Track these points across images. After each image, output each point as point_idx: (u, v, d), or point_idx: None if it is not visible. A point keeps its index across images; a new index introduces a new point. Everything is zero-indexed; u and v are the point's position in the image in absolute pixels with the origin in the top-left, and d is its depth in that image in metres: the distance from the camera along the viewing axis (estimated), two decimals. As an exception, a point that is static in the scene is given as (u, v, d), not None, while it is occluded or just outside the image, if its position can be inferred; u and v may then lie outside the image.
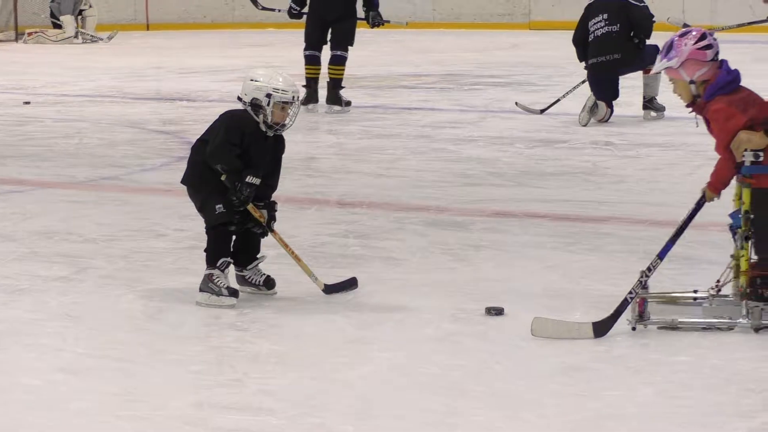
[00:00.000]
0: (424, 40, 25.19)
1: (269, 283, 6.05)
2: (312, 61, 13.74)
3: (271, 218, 5.99)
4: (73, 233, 7.46)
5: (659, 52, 5.67)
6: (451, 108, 14.25)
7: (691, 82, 5.55)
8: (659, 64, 5.62)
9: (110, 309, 5.88)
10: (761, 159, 5.44)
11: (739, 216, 5.50)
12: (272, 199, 6.05)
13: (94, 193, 8.98)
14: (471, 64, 19.69)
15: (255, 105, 5.87)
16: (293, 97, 5.91)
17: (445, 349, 5.29)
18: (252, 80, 5.91)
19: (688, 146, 9.58)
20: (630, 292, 5.43)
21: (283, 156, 6.07)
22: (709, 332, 5.44)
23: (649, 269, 5.48)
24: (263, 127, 5.88)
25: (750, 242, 5.49)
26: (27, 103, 14.62)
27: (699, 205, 5.54)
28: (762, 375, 4.92)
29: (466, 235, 7.43)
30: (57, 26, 25.94)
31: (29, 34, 26.04)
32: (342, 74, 13.61)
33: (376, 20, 13.82)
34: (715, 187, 5.52)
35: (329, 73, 13.54)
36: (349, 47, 13.66)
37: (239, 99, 5.93)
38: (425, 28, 28.86)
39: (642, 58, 11.62)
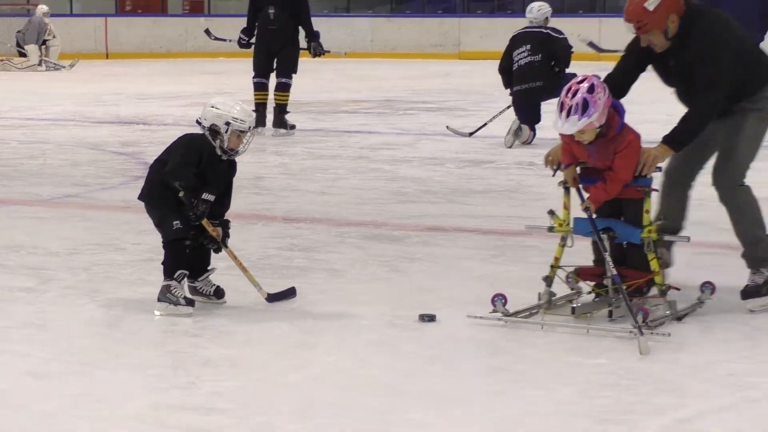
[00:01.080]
0: (363, 68, 25.24)
1: (219, 293, 6.04)
2: (260, 87, 13.81)
3: (225, 235, 5.99)
4: (38, 247, 7.41)
5: (575, 111, 5.58)
6: (388, 131, 14.28)
7: (600, 126, 5.64)
8: (580, 123, 5.58)
9: (73, 317, 5.85)
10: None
11: (606, 221, 5.72)
12: (225, 217, 6.04)
13: (58, 210, 8.92)
14: (406, 91, 19.75)
15: (213, 131, 5.87)
16: (249, 126, 5.91)
17: (382, 352, 5.30)
18: (213, 107, 5.91)
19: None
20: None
21: (234, 177, 6.07)
22: (625, 336, 5.47)
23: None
24: (219, 152, 5.88)
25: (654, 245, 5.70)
26: (-7, 126, 14.55)
27: (591, 218, 5.66)
28: (672, 376, 4.97)
29: (401, 248, 7.45)
30: (22, 55, 25.81)
31: (-4, 62, 25.90)
32: (286, 100, 13.65)
33: (317, 50, 13.94)
34: (601, 203, 5.69)
35: (275, 99, 13.60)
36: (293, 75, 13.70)
37: (198, 123, 5.92)
38: (364, 58, 28.91)
39: (562, 85, 11.64)
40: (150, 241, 7.18)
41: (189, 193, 5.80)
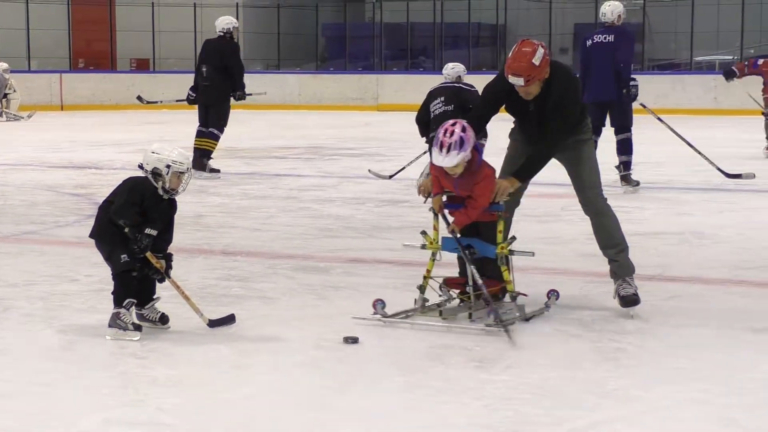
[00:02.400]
0: (291, 118, 25.25)
1: (164, 319, 5.98)
2: (198, 135, 13.86)
3: (169, 267, 5.94)
4: (-1, 279, 7.30)
5: (455, 147, 5.98)
6: (315, 174, 14.26)
7: (466, 162, 6.04)
8: (460, 156, 6.00)
9: (31, 342, 5.76)
10: None
11: (468, 240, 6.10)
12: (168, 251, 5.99)
13: (17, 246, 8.79)
14: (331, 139, 19.77)
15: (155, 173, 5.83)
16: (187, 167, 5.88)
17: (312, 372, 5.26)
18: (153, 153, 5.87)
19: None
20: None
21: (176, 214, 6.02)
22: (524, 356, 5.50)
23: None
24: (161, 192, 5.84)
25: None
26: (-41, 170, 14.35)
27: (457, 238, 6.06)
28: (567, 390, 4.97)
29: (327, 278, 7.42)
30: (-16, 107, 25.52)
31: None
32: (209, 146, 13.80)
33: (240, 97, 14.21)
34: (463, 226, 6.09)
35: (195, 144, 13.67)
36: (223, 127, 13.84)
37: (140, 167, 5.88)
38: (293, 109, 28.95)
39: None
40: (101, 273, 7.09)
41: (133, 230, 5.75)
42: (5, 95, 25.69)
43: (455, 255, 6.29)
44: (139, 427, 4.47)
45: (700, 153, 12.47)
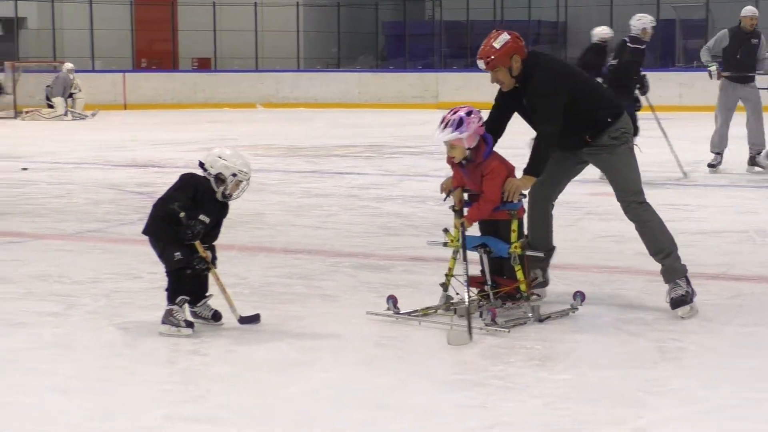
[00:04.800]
0: (352, 117, 25.30)
1: (216, 316, 6.02)
2: None
3: (214, 257, 5.97)
4: (63, 276, 7.38)
5: (450, 125, 6.03)
6: (375, 172, 14.28)
7: (468, 148, 6.03)
8: (451, 135, 6.02)
9: (95, 339, 5.82)
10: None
11: (484, 238, 6.11)
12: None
13: (81, 244, 8.89)
14: (391, 137, 19.79)
15: (219, 178, 5.87)
16: (249, 177, 5.94)
17: (371, 369, 5.27)
18: (221, 158, 5.90)
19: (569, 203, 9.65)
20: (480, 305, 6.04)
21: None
22: (584, 355, 5.48)
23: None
24: (219, 196, 5.89)
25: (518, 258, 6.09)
26: (25, 169, 14.53)
27: (464, 233, 6.03)
28: (628, 389, 4.94)
29: (387, 276, 7.43)
30: (50, 106, 25.84)
31: (26, 112, 25.95)
32: None
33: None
34: (475, 221, 6.08)
35: None
36: None
37: (202, 167, 5.92)
38: (353, 108, 29.04)
39: None
40: (163, 271, 7.16)
41: (187, 214, 5.78)
42: (71, 95, 26.00)
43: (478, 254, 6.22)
44: (200, 423, 4.50)
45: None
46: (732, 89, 13.49)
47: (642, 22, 13.01)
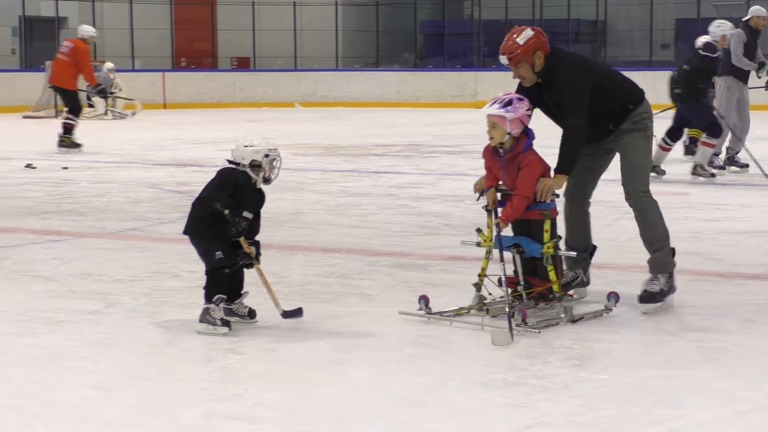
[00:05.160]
0: (390, 116, 25.30)
1: (252, 313, 6.05)
2: None
3: (258, 253, 5.99)
4: (103, 275, 7.42)
5: (499, 103, 6.08)
6: (413, 172, 14.28)
7: (508, 133, 6.03)
8: (497, 111, 6.05)
9: (134, 337, 5.85)
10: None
11: (517, 238, 6.10)
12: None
13: (121, 242, 8.94)
14: (429, 136, 19.77)
15: (254, 165, 5.91)
16: (279, 153, 5.98)
17: (409, 368, 5.26)
18: (247, 146, 5.96)
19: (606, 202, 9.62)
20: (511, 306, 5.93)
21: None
22: (623, 355, 5.47)
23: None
24: (260, 183, 5.93)
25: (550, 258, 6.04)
26: (65, 168, 14.62)
27: (499, 233, 6.03)
28: (668, 390, 4.91)
29: (425, 275, 7.42)
30: (90, 105, 25.99)
31: (67, 111, 26.06)
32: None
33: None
34: (510, 220, 6.04)
35: None
36: None
37: (231, 163, 5.97)
38: (391, 107, 29.04)
39: None
40: (203, 270, 7.18)
41: (232, 212, 5.81)
42: (111, 93, 26.15)
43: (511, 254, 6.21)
44: (238, 422, 4.51)
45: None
46: (739, 89, 13.43)
47: (721, 29, 12.92)
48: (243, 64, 33.66)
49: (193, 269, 7.41)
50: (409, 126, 22.64)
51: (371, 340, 5.76)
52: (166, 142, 19.27)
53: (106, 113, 25.68)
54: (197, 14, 34.24)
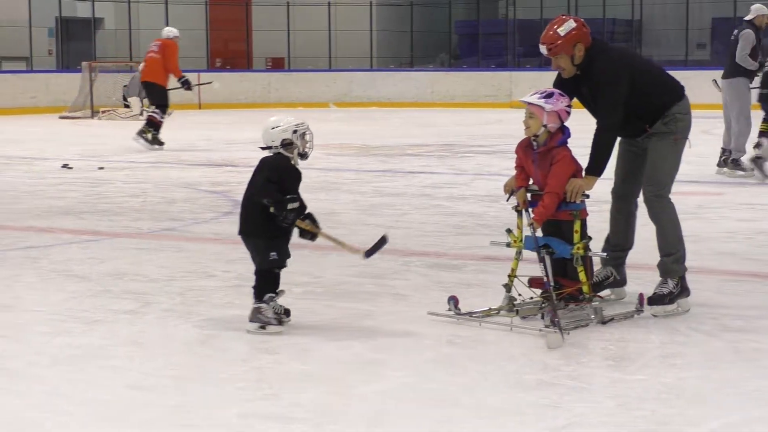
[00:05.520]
0: (424, 116, 25.29)
1: (287, 312, 6.05)
2: None
3: (316, 226, 6.02)
4: (138, 274, 7.46)
5: (540, 93, 6.06)
6: (447, 172, 14.27)
7: (544, 125, 6.00)
8: (536, 100, 6.03)
9: (169, 336, 5.87)
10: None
11: (546, 239, 6.03)
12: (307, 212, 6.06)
13: (156, 242, 8.98)
14: (463, 136, 19.75)
15: (286, 144, 5.94)
16: (307, 126, 6.03)
17: (444, 369, 5.26)
18: (274, 128, 5.99)
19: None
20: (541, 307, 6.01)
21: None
22: (659, 356, 5.44)
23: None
24: (297, 159, 5.97)
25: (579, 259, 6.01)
26: (101, 168, 14.70)
27: (534, 233, 6.01)
28: (704, 391, 4.89)
29: (460, 275, 7.42)
30: (126, 106, 26.14)
31: (103, 112, 26.26)
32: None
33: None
34: (543, 219, 6.00)
35: None
36: None
37: (267, 148, 5.99)
38: (425, 107, 29.03)
39: None
40: (237, 270, 7.22)
41: (278, 205, 5.81)
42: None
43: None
44: (273, 421, 4.52)
45: None
46: (746, 88, 13.37)
47: None
48: (278, 65, 33.74)
49: (228, 269, 7.45)
50: (444, 126, 22.62)
51: (406, 340, 5.76)
52: (201, 142, 19.35)
53: (141, 114, 25.79)
54: (232, 15, 34.36)
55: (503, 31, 33.98)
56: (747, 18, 13.56)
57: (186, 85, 18.45)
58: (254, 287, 5.93)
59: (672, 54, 31.89)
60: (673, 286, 6.20)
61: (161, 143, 17.56)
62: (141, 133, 17.62)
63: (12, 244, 8.78)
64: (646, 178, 6.29)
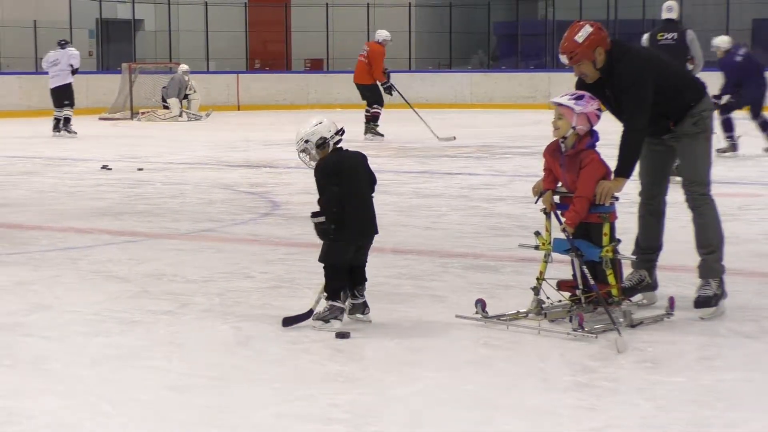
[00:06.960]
0: (463, 117, 25.25)
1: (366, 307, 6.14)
2: None
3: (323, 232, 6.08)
4: (177, 275, 7.49)
5: (571, 95, 6.07)
6: (485, 173, 14.25)
7: (573, 127, 5.99)
8: (567, 101, 6.02)
9: (207, 337, 5.90)
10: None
11: (575, 242, 5.97)
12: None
13: (195, 243, 9.02)
14: (501, 137, 19.72)
15: (322, 144, 6.07)
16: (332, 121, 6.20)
17: (480, 370, 5.26)
18: (314, 132, 6.15)
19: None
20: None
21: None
22: (697, 358, 5.41)
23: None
24: (331, 149, 6.11)
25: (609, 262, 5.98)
26: (140, 169, 14.78)
27: (570, 239, 5.97)
28: (743, 393, 4.86)
29: (497, 277, 7.41)
30: (165, 107, 26.27)
31: (142, 113, 26.39)
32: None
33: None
34: (576, 223, 5.98)
35: None
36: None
37: (304, 151, 6.10)
38: (464, 108, 29.00)
39: None
40: (276, 271, 7.25)
41: (329, 227, 5.97)
42: (186, 96, 26.39)
43: (568, 257, 6.14)
44: (310, 422, 4.53)
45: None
46: None
47: None
48: (316, 66, 33.80)
49: (266, 270, 7.48)
50: (482, 127, 22.59)
51: (443, 341, 5.76)
52: (239, 143, 19.41)
53: (180, 115, 25.93)
54: (271, 16, 34.46)
55: (542, 32, 33.90)
56: None
57: (388, 90, 19.55)
58: (325, 286, 5.98)
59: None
60: (716, 288, 6.16)
61: (381, 135, 19.25)
62: (369, 130, 19.26)
63: (52, 245, 8.85)
64: (688, 180, 6.27)
